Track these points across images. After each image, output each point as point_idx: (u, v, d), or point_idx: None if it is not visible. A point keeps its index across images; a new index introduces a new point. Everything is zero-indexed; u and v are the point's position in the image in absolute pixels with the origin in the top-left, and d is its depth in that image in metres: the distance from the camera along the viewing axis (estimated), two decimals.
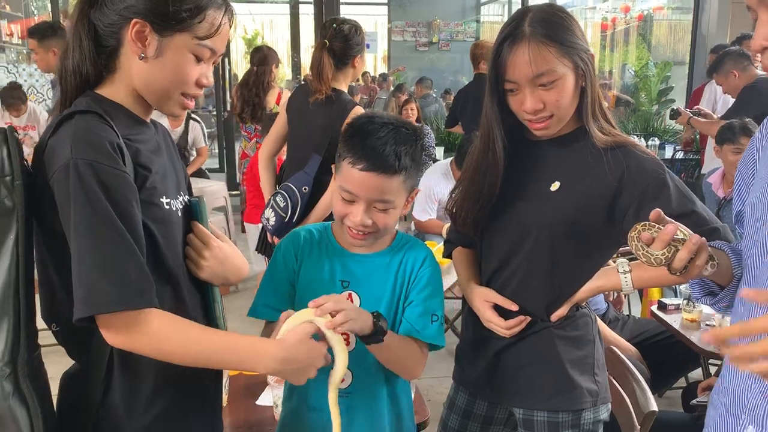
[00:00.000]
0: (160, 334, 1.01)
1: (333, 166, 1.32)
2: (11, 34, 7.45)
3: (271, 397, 1.76)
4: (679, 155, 6.03)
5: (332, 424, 1.15)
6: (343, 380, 1.29)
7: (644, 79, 9.79)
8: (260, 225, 2.84)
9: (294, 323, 1.13)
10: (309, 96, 2.66)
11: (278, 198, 2.60)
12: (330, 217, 2.60)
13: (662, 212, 1.00)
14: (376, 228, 1.25)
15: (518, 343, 1.41)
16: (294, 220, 2.56)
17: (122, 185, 0.99)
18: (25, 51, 7.64)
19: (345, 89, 2.71)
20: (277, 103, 4.29)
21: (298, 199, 2.57)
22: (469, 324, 1.51)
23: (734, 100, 4.14)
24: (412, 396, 1.66)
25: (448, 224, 3.66)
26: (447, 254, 1.62)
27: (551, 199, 1.36)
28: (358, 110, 2.59)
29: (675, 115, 4.36)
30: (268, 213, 2.63)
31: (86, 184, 0.96)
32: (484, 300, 1.42)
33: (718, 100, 4.83)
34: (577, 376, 1.41)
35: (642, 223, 1.01)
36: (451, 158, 3.84)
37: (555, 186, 1.36)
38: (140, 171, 1.05)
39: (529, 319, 1.40)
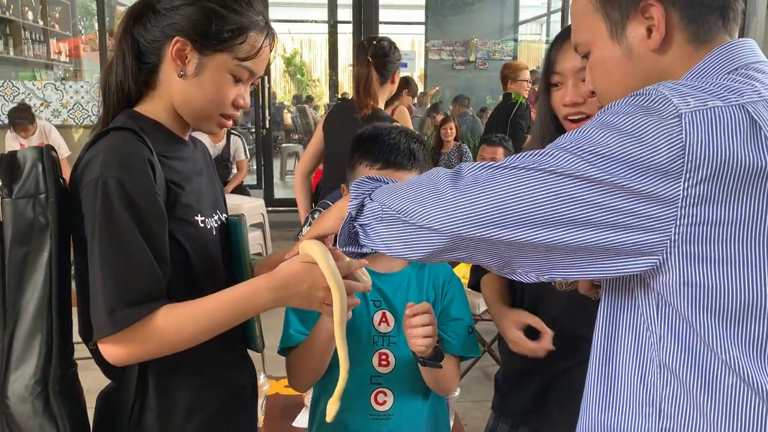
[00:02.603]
0: (157, 333, 0.98)
1: (342, 186, 1.35)
2: (59, 53, 7.69)
3: (307, 419, 1.73)
4: None
5: (340, 361, 1.08)
6: (384, 402, 1.27)
7: None
8: None
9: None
10: (348, 113, 2.67)
11: (316, 215, 2.60)
12: None
13: None
14: None
15: (571, 370, 1.35)
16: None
17: (149, 204, 0.99)
18: (72, 68, 7.87)
19: (383, 105, 2.74)
20: (392, 114, 4.79)
21: None
22: (512, 352, 1.46)
23: None
24: (452, 422, 1.62)
25: None
26: (474, 283, 1.56)
27: None
28: None
29: None
30: (306, 231, 2.62)
31: (111, 201, 0.96)
32: (514, 321, 1.35)
33: None
34: None
35: None
36: None
37: None
38: (173, 188, 1.05)
39: (550, 332, 1.32)
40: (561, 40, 1.31)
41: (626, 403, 0.82)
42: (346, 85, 10.26)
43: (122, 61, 1.08)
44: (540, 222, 0.75)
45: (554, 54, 1.32)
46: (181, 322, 1.00)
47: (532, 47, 12.33)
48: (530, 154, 0.78)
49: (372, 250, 0.92)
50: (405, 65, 9.77)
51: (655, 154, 0.70)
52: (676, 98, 0.73)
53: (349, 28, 7.10)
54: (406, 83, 5.54)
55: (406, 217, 0.83)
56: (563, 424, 1.40)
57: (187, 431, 1.09)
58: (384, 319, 1.30)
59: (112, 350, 0.99)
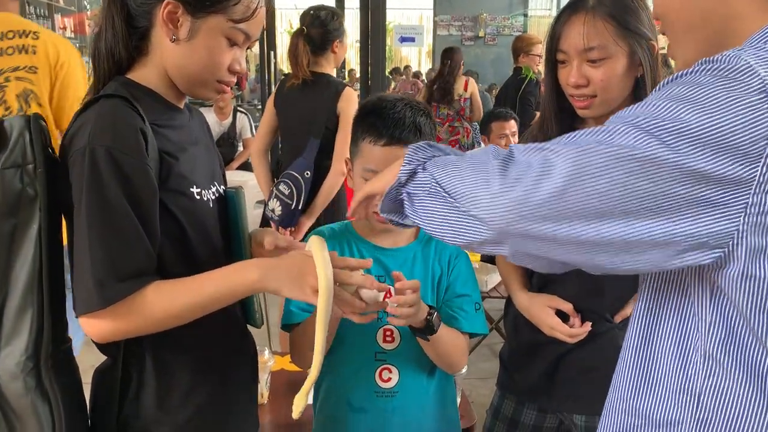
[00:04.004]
0: (145, 309, 0.95)
1: (346, 160, 1.31)
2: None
3: (311, 396, 1.72)
4: None
5: (314, 355, 1.04)
6: (389, 379, 1.24)
7: None
8: None
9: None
10: (287, 85, 2.71)
11: (281, 186, 2.61)
12: (333, 206, 2.63)
13: None
14: None
15: (581, 347, 1.34)
16: (300, 207, 2.56)
17: (139, 175, 0.95)
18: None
19: (332, 73, 2.75)
20: (465, 89, 5.19)
21: (302, 185, 2.57)
22: (521, 330, 1.44)
23: None
24: (458, 400, 1.60)
25: None
26: (487, 257, 1.55)
27: None
28: (350, 91, 2.64)
29: None
30: (273, 204, 2.62)
31: (100, 170, 0.93)
32: (547, 306, 1.34)
33: None
34: None
35: None
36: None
37: None
38: (166, 158, 1.02)
39: (590, 324, 1.32)
40: (567, 14, 1.27)
41: (662, 389, 0.78)
42: (353, 61, 10.16)
43: (111, 26, 1.04)
44: (600, 213, 0.67)
45: (559, 28, 1.28)
46: (169, 298, 0.97)
47: (542, 22, 12.16)
48: (588, 133, 0.70)
49: (413, 222, 0.87)
50: (413, 40, 9.65)
51: (735, 132, 0.62)
52: (763, 68, 0.63)
53: (357, 3, 7.00)
54: (446, 54, 5.34)
55: (453, 198, 0.77)
56: (573, 400, 1.39)
57: (187, 407, 1.07)
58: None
59: (97, 325, 0.95)
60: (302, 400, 1.03)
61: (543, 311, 1.34)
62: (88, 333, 0.97)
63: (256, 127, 6.32)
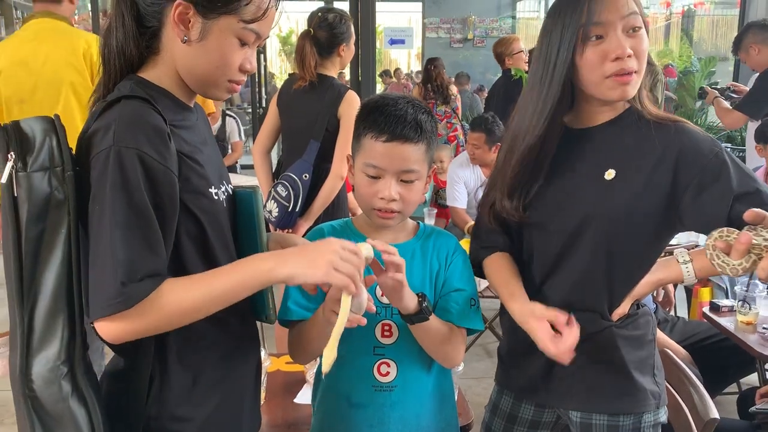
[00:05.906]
0: (159, 306, 0.92)
1: (348, 156, 1.31)
2: None
3: (310, 396, 1.72)
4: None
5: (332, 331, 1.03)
6: (387, 374, 1.25)
7: (687, 75, 9.55)
8: None
9: None
10: (293, 87, 2.69)
11: (279, 188, 2.60)
12: (333, 208, 2.61)
13: (760, 211, 0.94)
14: (402, 205, 1.24)
15: (578, 344, 1.32)
16: (297, 209, 2.54)
17: (165, 180, 0.95)
18: None
19: (335, 76, 2.73)
20: (456, 92, 5.65)
21: (299, 187, 2.56)
22: (518, 328, 1.41)
23: None
24: (456, 397, 1.60)
25: (472, 223, 3.59)
26: (476, 264, 1.44)
27: (608, 188, 1.27)
28: (353, 95, 2.62)
29: (702, 94, 4.14)
30: (270, 205, 2.62)
31: (127, 172, 0.91)
32: (539, 318, 1.24)
33: None
34: (639, 377, 1.33)
35: (719, 230, 0.99)
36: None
37: (610, 174, 1.27)
38: (185, 160, 1.01)
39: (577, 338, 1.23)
40: None
41: None
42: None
43: (122, 25, 1.02)
44: None
45: (591, 3, 1.19)
46: (184, 294, 0.95)
47: (530, 24, 12.23)
48: None
49: None
50: (402, 42, 9.66)
51: None
52: None
53: (346, 6, 7.00)
54: (429, 62, 5.76)
55: None
56: (569, 397, 1.39)
57: (209, 407, 1.07)
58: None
59: (115, 327, 0.92)
60: (331, 351, 1.00)
61: (538, 324, 1.24)
62: (104, 335, 0.94)
63: (246, 131, 6.32)
